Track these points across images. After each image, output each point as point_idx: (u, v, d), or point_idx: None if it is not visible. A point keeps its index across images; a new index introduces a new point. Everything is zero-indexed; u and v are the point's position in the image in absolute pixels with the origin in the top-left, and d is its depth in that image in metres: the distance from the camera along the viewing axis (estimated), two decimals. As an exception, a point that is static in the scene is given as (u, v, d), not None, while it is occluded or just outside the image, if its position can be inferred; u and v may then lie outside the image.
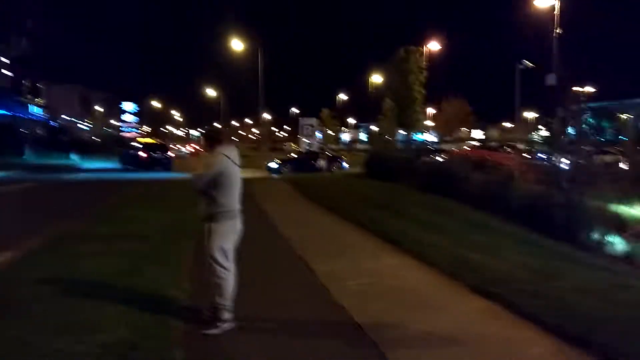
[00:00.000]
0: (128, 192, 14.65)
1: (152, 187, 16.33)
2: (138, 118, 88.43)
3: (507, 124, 72.05)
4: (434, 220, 8.96)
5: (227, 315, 4.10)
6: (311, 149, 28.80)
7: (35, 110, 57.48)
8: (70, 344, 3.61)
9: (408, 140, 29.69)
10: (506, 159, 16.11)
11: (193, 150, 60.46)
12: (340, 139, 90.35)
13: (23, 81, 61.74)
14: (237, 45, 33.79)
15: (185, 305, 4.62)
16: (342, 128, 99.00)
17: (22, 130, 43.27)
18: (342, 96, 72.11)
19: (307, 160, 26.40)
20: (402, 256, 6.68)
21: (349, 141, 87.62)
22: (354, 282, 5.50)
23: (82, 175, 23.70)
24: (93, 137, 65.31)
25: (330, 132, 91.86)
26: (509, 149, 25.44)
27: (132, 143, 38.95)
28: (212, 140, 4.35)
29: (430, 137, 60.47)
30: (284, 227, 8.76)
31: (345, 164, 27.18)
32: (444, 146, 41.68)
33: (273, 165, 25.47)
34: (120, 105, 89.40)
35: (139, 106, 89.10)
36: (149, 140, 38.14)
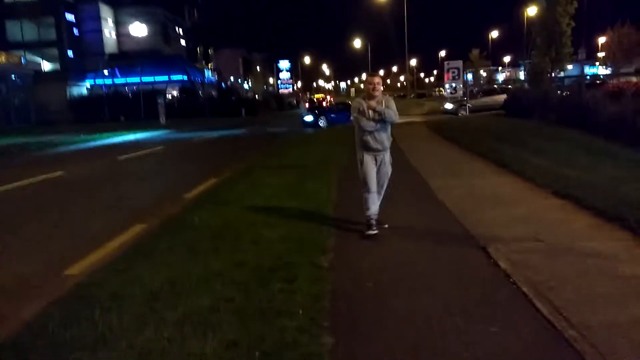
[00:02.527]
0: (291, 137, 17.71)
1: (306, 134, 19.25)
2: (291, 74, 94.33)
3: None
4: (547, 148, 9.91)
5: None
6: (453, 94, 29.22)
7: (208, 74, 65.17)
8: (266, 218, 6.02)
9: (577, 75, 28.52)
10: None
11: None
12: (496, 79, 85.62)
13: (196, 48, 70.56)
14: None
15: (332, 208, 6.80)
16: (499, 68, 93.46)
17: (199, 92, 50.20)
18: (495, 34, 67.76)
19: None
20: (507, 175, 8.05)
21: (504, 81, 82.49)
22: (457, 191, 7.14)
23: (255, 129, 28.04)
24: (255, 96, 71.97)
25: (482, 72, 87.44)
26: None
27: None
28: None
29: (604, 70, 54.77)
30: (413, 157, 10.54)
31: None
32: (622, 78, 37.96)
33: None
34: (277, 64, 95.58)
35: (292, 63, 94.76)
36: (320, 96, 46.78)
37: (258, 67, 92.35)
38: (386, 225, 5.31)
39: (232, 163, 11.71)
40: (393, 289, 3.81)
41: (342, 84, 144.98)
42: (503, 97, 26.68)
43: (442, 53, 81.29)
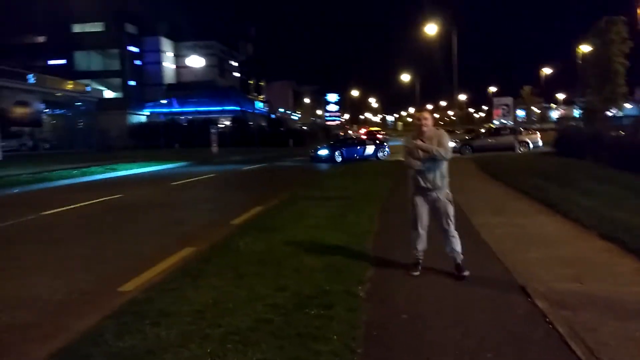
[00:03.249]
0: (335, 170, 17.99)
1: (351, 166, 19.49)
2: (339, 107, 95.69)
3: None
4: (597, 189, 9.65)
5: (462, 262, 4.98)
6: (493, 127, 28.69)
7: (259, 105, 67.21)
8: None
9: (636, 115, 27.55)
10: None
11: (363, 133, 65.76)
12: (549, 116, 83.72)
13: (248, 81, 73.22)
14: (430, 29, 35.21)
15: (372, 241, 6.92)
16: (552, 105, 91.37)
17: (250, 123, 51.81)
18: (548, 71, 66.53)
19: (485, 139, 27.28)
20: (553, 215, 7.90)
21: (558, 118, 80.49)
22: (500, 229, 7.11)
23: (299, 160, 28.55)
24: (303, 127, 73.33)
25: (535, 109, 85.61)
26: None
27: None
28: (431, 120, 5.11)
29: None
30: (456, 194, 10.52)
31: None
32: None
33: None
34: (325, 97, 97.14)
35: (340, 96, 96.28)
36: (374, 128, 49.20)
37: (307, 99, 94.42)
38: (466, 273, 4.93)
39: (277, 192, 12.06)
40: (428, 322, 3.89)
41: (390, 117, 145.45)
42: (511, 138, 26.18)
43: (492, 89, 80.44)
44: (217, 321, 3.81)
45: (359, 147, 25.50)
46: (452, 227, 5.03)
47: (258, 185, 16.07)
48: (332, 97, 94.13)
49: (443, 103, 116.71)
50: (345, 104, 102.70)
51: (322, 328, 3.66)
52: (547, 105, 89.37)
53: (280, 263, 5.43)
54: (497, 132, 29.03)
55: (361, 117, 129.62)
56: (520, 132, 27.65)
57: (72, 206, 10.91)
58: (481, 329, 3.74)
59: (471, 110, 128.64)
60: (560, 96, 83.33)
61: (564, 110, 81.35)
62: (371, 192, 11.57)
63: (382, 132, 63.49)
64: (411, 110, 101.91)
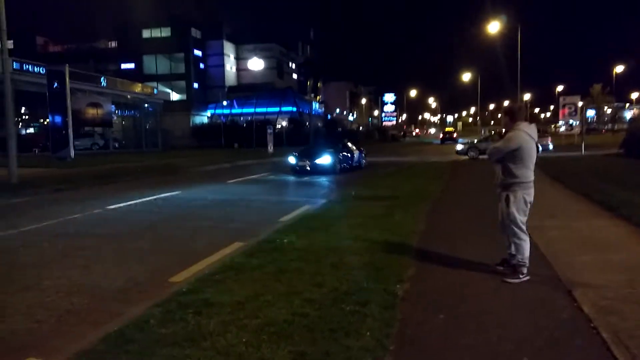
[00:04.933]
0: (389, 170, 17.90)
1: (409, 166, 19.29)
2: (395, 107, 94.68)
3: None
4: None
5: (524, 269, 4.74)
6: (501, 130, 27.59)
7: (315, 106, 67.93)
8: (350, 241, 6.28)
9: None
10: None
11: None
12: (623, 116, 78.83)
13: (306, 82, 74.04)
14: (493, 26, 34.09)
15: (417, 239, 6.86)
16: (626, 105, 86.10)
17: (306, 123, 52.38)
18: (620, 69, 62.59)
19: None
20: (612, 219, 7.49)
21: (631, 119, 75.61)
22: (553, 232, 6.82)
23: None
24: (359, 128, 73.29)
25: (607, 109, 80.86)
26: None
27: None
28: (512, 116, 4.84)
29: None
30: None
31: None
32: None
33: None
34: (382, 97, 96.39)
35: (397, 96, 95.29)
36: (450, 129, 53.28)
37: (363, 100, 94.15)
38: (501, 268, 4.97)
39: (328, 192, 12.19)
40: (465, 323, 3.83)
41: (449, 117, 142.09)
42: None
43: (559, 87, 76.61)
44: (256, 313, 3.95)
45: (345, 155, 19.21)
46: (511, 228, 4.79)
47: (310, 184, 16.26)
48: (389, 97, 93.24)
49: (506, 102, 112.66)
50: (403, 104, 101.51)
51: (356, 324, 3.70)
52: (620, 104, 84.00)
53: (320, 260, 5.51)
54: (506, 134, 27.76)
55: (419, 117, 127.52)
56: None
57: (133, 202, 11.54)
58: (521, 332, 3.64)
59: (536, 110, 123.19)
60: (634, 95, 78.11)
61: (637, 110, 76.16)
62: (421, 192, 11.44)
63: (456, 133, 65.68)
64: (472, 110, 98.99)
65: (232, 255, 6.11)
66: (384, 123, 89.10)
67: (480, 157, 25.70)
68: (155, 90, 50.03)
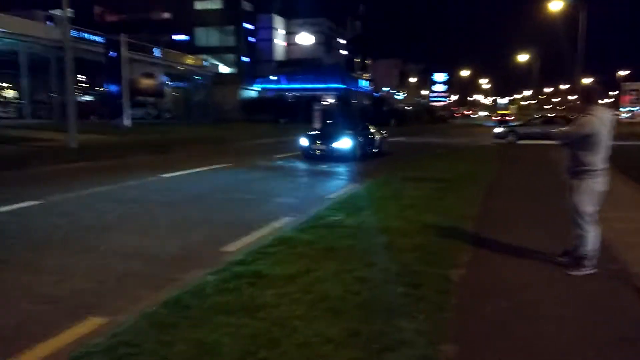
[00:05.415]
0: (441, 151, 17.54)
1: (460, 149, 18.81)
2: (447, 87, 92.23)
3: None
4: None
5: (587, 262, 4.51)
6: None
7: (363, 84, 67.12)
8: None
9: None
10: None
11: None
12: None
13: (354, 59, 73.09)
14: (555, 4, 32.38)
15: (471, 225, 6.68)
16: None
17: (353, 101, 52.03)
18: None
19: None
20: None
21: None
22: (621, 225, 6.47)
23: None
24: (407, 107, 72.00)
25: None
26: None
27: None
28: (587, 98, 4.47)
29: None
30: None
31: None
32: None
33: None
34: (432, 77, 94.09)
35: (448, 76, 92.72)
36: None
37: (412, 79, 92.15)
38: (563, 259, 4.74)
39: (374, 172, 12.07)
40: (523, 313, 3.70)
41: (502, 100, 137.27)
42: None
43: (623, 72, 72.17)
44: (308, 287, 3.96)
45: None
46: (575, 219, 4.56)
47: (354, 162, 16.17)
48: (440, 76, 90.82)
49: (564, 86, 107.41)
50: (453, 84, 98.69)
51: (409, 306, 3.65)
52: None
53: (371, 239, 5.47)
54: (549, 120, 26.54)
55: (469, 98, 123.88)
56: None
57: (186, 171, 11.82)
58: (581, 326, 3.49)
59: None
60: None
61: None
62: (473, 175, 11.13)
63: (514, 116, 64.79)
64: (526, 93, 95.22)
65: (281, 229, 6.16)
66: (432, 103, 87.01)
67: (519, 142, 24.90)
68: (205, 63, 50.77)
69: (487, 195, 8.67)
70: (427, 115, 68.72)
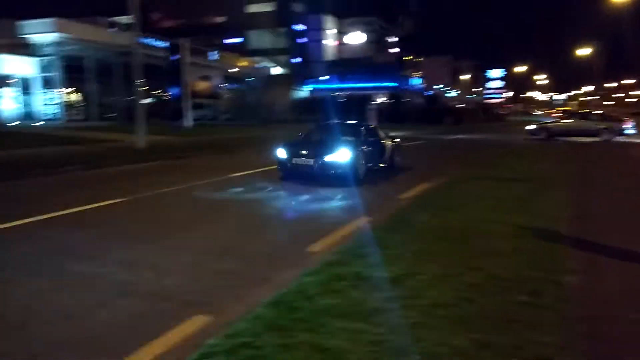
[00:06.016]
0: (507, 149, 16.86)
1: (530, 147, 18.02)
2: (504, 83, 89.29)
3: None
4: None
5: None
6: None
7: (414, 82, 66.11)
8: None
9: None
10: None
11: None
12: None
13: (405, 57, 72.10)
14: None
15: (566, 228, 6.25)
16: None
17: (406, 99, 51.34)
18: None
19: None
20: None
21: None
22: None
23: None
24: (457, 105, 70.28)
25: None
26: None
27: None
28: None
29: None
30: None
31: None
32: None
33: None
34: (485, 73, 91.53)
35: (506, 72, 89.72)
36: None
37: (465, 76, 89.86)
38: None
39: (443, 170, 11.67)
40: (660, 326, 3.34)
41: (558, 96, 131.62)
42: (593, 124, 23.31)
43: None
44: (417, 292, 3.75)
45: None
46: None
47: (419, 161, 15.78)
48: (495, 72, 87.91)
49: (629, 81, 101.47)
50: (508, 81, 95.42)
51: (534, 316, 3.36)
52: None
53: (465, 242, 5.19)
54: (583, 115, 25.25)
55: (523, 95, 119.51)
56: (611, 118, 24.68)
57: (252, 171, 11.88)
58: None
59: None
60: None
61: None
62: (553, 175, 10.56)
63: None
64: (588, 88, 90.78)
65: (363, 229, 5.98)
66: (486, 100, 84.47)
67: (554, 139, 23.81)
68: (259, 65, 51.47)
69: (573, 195, 8.14)
70: (482, 112, 66.79)
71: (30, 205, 7.57)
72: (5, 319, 3.62)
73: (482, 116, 63.18)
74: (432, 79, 77.97)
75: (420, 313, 3.39)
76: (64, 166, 11.75)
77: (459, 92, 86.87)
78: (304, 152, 10.18)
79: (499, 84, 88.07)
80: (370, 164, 10.82)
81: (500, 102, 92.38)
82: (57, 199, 8.13)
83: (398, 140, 12.93)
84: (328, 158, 9.84)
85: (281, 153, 10.39)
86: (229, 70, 45.02)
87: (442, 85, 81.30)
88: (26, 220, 6.43)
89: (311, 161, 9.94)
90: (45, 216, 6.70)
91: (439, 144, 23.81)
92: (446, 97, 79.47)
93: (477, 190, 8.53)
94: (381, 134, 12.10)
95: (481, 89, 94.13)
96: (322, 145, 10.34)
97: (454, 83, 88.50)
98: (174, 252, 5.23)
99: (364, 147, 10.63)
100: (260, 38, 60.43)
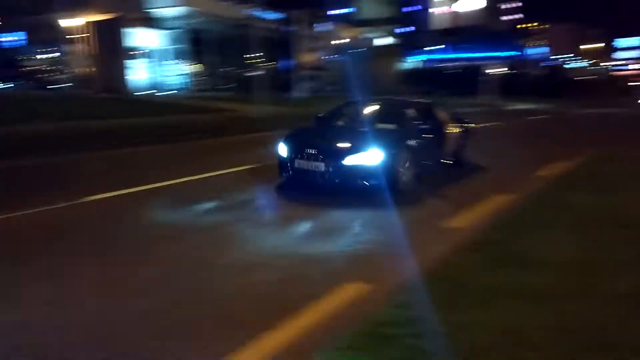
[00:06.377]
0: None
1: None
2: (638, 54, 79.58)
3: None
4: None
5: None
6: None
7: (536, 50, 61.11)
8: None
9: None
10: None
11: None
12: None
13: (526, 24, 66.86)
14: None
15: None
16: None
17: (524, 70, 47.74)
18: None
19: None
20: None
21: None
22: None
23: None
24: (579, 77, 64.13)
25: None
26: None
27: None
28: None
29: None
30: None
31: None
32: None
33: None
34: (614, 43, 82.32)
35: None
36: None
37: (592, 45, 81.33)
38: None
39: (579, 147, 10.72)
40: None
41: None
42: None
43: None
44: (591, 279, 3.43)
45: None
46: None
47: (546, 137, 14.66)
48: (627, 41, 78.37)
49: None
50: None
51: None
52: None
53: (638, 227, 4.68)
54: None
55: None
56: None
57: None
58: None
59: None
60: None
61: None
62: None
63: None
64: None
65: (503, 207, 5.62)
66: (615, 72, 75.91)
67: None
68: (363, 35, 50.84)
69: None
70: (610, 85, 60.26)
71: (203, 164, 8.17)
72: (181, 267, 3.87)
73: (608, 89, 56.93)
74: (554, 48, 71.81)
75: (607, 300, 3.09)
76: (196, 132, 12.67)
77: (584, 62, 79.02)
78: (312, 150, 6.41)
79: (633, 54, 78.37)
80: (423, 165, 7.13)
81: (631, 75, 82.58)
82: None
83: (471, 124, 9.19)
84: (348, 160, 6.17)
85: (282, 149, 6.79)
86: (335, 42, 44.99)
87: (564, 55, 74.53)
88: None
89: (321, 165, 6.24)
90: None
91: (565, 119, 21.93)
92: (567, 68, 72.81)
93: (630, 169, 7.68)
94: (443, 116, 8.19)
95: (609, 60, 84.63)
96: (341, 139, 6.63)
97: (578, 53, 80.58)
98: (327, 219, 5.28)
99: (411, 139, 6.88)
100: (367, 8, 59.48)
